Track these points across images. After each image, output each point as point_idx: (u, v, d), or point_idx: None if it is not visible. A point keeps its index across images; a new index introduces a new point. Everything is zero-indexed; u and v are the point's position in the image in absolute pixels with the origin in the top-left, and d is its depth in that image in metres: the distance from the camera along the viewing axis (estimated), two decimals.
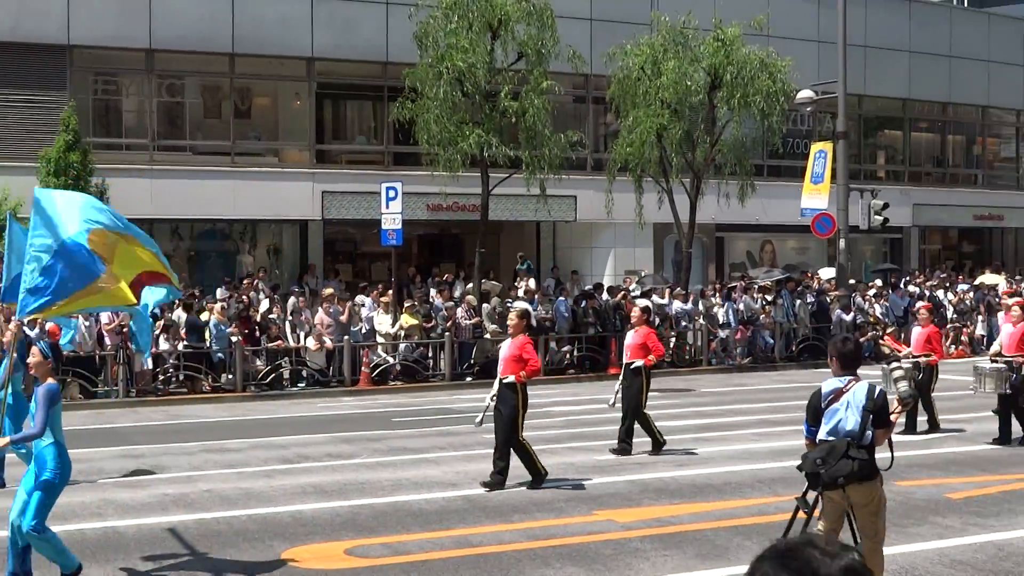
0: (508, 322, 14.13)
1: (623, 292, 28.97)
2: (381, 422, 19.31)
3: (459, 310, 26.66)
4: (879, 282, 34.48)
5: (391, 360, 25.95)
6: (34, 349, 9.41)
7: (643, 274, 33.16)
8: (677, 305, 29.26)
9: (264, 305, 25.97)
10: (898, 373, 8.23)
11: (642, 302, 17.89)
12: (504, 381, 13.19)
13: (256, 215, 31.82)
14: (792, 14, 36.47)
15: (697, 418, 19.72)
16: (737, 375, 27.86)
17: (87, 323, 23.08)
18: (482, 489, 13.08)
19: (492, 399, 13.33)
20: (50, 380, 9.28)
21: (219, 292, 26.93)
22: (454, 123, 26.86)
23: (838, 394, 7.88)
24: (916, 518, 11.42)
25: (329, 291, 26.47)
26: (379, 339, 25.97)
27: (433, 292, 28.16)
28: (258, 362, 24.67)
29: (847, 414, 7.80)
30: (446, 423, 19.19)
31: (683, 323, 29.36)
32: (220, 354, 24.13)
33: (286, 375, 24.68)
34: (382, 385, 25.01)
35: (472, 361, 26.26)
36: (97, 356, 23.36)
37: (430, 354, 26.43)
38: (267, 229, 33.55)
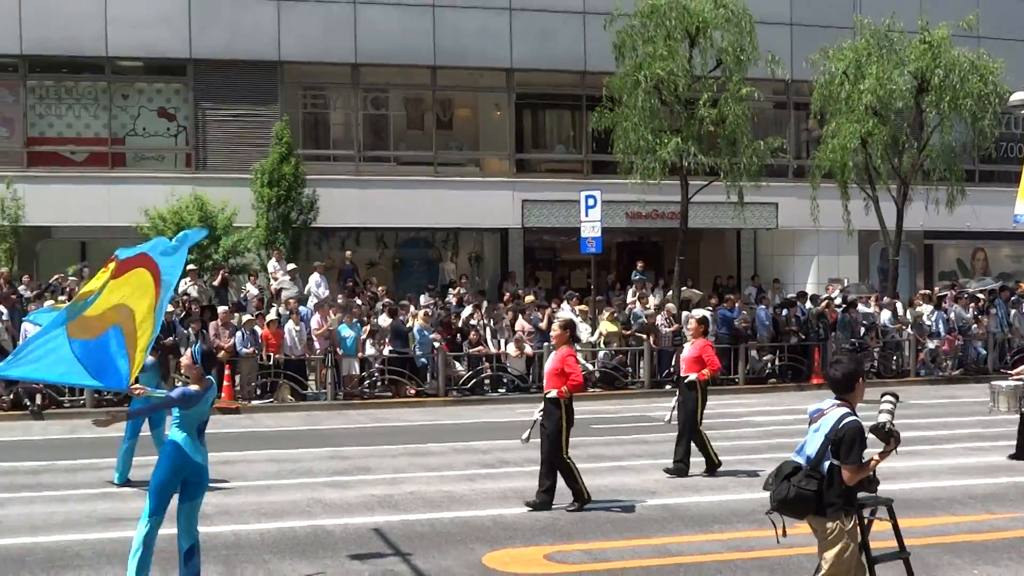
0: (551, 333, 13.65)
1: (826, 301, 28.38)
2: (580, 429, 19.18)
3: (659, 318, 26.55)
4: None
5: (590, 367, 26.00)
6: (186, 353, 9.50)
7: (847, 283, 32.41)
8: (885, 315, 28.52)
9: (466, 311, 26.39)
10: (886, 405, 7.33)
11: (699, 313, 16.99)
12: (548, 396, 12.84)
13: (458, 223, 32.44)
14: (1004, 13, 35.04)
15: (903, 431, 19.11)
16: (946, 387, 26.93)
17: (297, 328, 23.92)
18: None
19: (539, 414, 12.95)
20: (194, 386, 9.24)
21: (423, 299, 27.47)
22: (652, 131, 26.84)
23: (819, 416, 7.42)
24: None
25: (530, 298, 26.74)
26: (578, 346, 26.05)
27: (632, 299, 28.13)
28: (460, 367, 25.09)
29: (814, 437, 7.33)
30: (644, 431, 19.13)
31: (891, 333, 28.58)
32: (423, 359, 24.63)
33: (487, 381, 25.01)
34: (581, 392, 25.01)
35: (671, 369, 26.13)
36: (307, 360, 24.19)
37: (629, 362, 26.40)
38: (469, 237, 34.15)
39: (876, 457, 7.30)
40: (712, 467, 14.64)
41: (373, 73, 32.06)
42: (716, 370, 15.12)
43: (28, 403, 21.85)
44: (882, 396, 7.39)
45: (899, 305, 29.14)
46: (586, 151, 33.49)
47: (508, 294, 28.50)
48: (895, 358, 28.74)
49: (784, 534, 7.62)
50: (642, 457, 16.11)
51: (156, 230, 28.02)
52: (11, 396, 21.90)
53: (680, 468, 14.63)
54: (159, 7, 29.90)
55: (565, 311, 25.39)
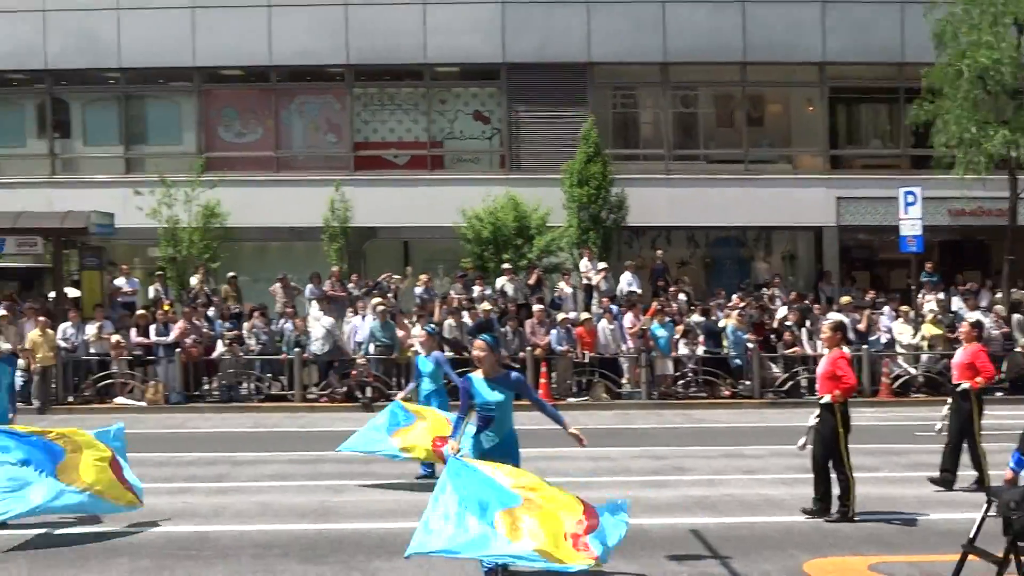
0: (822, 336, 12.95)
1: None
2: (903, 435, 18.71)
3: (987, 320, 25.28)
4: None
5: (913, 371, 25.10)
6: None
7: None
8: None
9: (780, 312, 25.98)
10: None
11: (972, 316, 15.44)
12: (821, 401, 12.28)
13: (770, 222, 31.96)
14: None
15: None
16: None
17: (611, 327, 24.17)
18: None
19: (815, 419, 12.38)
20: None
21: (734, 298, 27.22)
22: (976, 123, 25.62)
23: None
24: None
25: (846, 299, 26.02)
26: (899, 349, 25.19)
27: (957, 301, 26.92)
28: (775, 369, 24.70)
29: None
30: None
31: None
32: (738, 360, 24.40)
33: (803, 383, 24.51)
34: (903, 397, 24.22)
35: (1002, 375, 24.79)
36: (621, 358, 24.44)
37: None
38: (781, 236, 33.57)
39: None
40: (983, 484, 13.40)
41: (682, 71, 32.02)
42: (990, 378, 13.90)
43: (359, 395, 23.06)
44: None
45: None
46: (904, 145, 32.33)
47: (797, 294, 27.75)
48: None
49: None
50: (969, 467, 15.38)
51: (473, 230, 29.01)
52: (344, 388, 23.19)
53: (946, 479, 13.84)
54: (474, 14, 30.92)
55: (834, 313, 24.58)
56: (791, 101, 34.11)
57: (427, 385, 15.04)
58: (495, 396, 9.28)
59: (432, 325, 18.76)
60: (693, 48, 31.06)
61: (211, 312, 25.50)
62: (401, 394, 16.21)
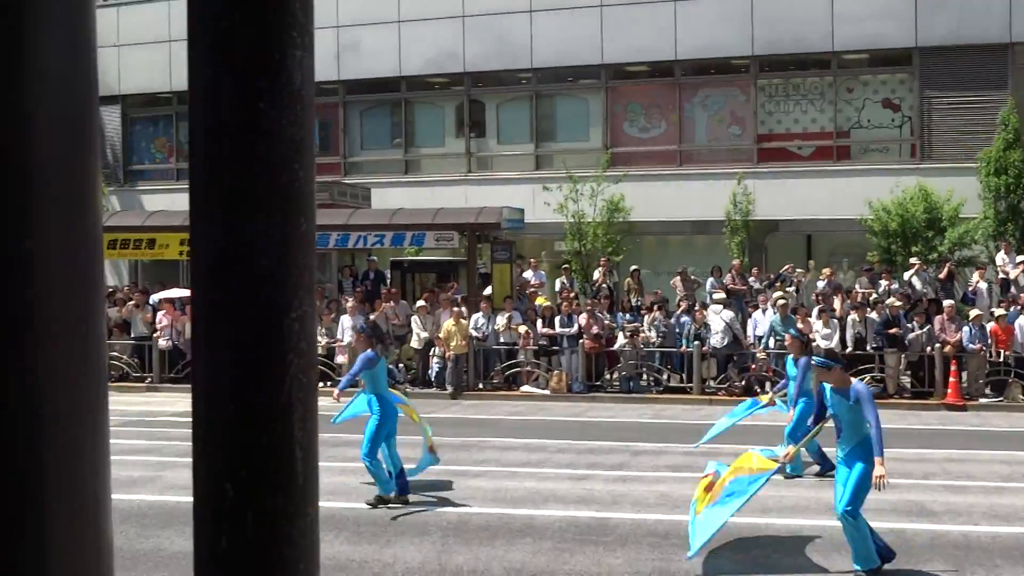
0: None
1: None
2: None
3: None
4: None
5: None
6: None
7: None
8: None
9: None
10: None
11: None
12: None
13: None
14: None
15: None
16: None
17: None
18: None
19: None
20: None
21: None
22: None
23: None
24: None
25: None
26: None
27: None
28: None
29: None
30: None
31: None
32: None
33: None
34: None
35: None
36: None
37: None
38: None
39: None
40: None
41: None
42: None
43: (758, 389, 22.87)
44: None
45: None
46: None
47: None
48: None
49: None
50: None
51: (880, 222, 28.08)
52: (743, 382, 23.11)
53: None
54: None
55: None
56: None
57: (792, 389, 14.53)
58: (838, 407, 9.81)
59: (796, 329, 17.99)
60: None
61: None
62: (770, 394, 16.00)
